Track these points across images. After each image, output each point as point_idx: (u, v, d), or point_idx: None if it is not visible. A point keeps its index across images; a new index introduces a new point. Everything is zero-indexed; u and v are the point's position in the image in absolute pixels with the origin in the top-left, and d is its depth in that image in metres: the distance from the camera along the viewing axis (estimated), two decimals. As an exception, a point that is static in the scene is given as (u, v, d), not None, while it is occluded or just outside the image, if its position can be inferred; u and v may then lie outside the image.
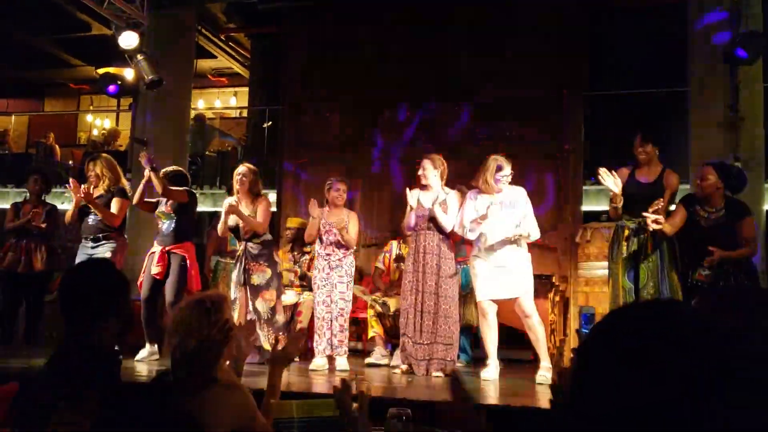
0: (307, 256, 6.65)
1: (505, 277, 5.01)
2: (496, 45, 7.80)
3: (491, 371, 5.02)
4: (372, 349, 6.08)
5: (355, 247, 5.78)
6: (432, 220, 5.35)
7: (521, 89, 7.59)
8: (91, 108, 15.10)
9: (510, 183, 5.20)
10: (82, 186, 5.64)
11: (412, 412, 2.39)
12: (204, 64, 12.14)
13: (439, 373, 5.17)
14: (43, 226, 6.30)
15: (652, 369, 0.68)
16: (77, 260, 5.74)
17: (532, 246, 5.27)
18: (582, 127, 7.52)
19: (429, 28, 8.00)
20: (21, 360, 5.46)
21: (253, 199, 5.63)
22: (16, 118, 14.00)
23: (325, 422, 2.45)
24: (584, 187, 7.55)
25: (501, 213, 5.07)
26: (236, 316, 5.38)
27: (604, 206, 7.18)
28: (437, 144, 7.63)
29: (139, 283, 5.77)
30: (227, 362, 2.37)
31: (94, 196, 5.72)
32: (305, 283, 6.47)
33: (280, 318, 5.66)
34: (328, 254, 5.61)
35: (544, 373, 4.89)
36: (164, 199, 5.81)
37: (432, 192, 5.43)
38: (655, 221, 4.58)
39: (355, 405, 2.34)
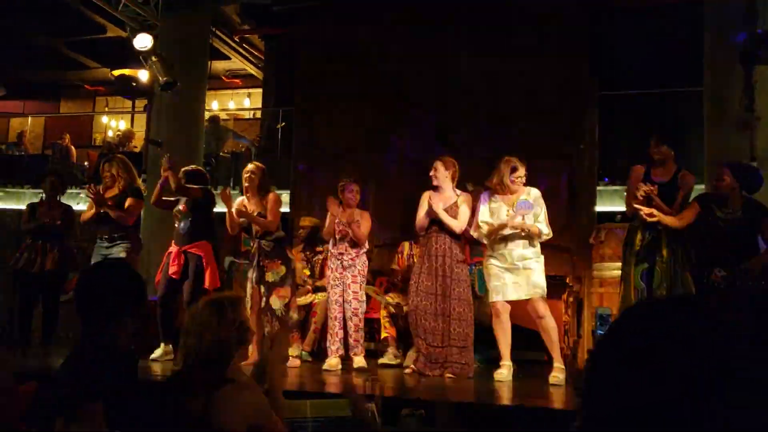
0: (319, 256, 6.67)
1: (518, 278, 5.00)
2: (507, 45, 7.78)
3: (505, 372, 5.01)
4: (385, 349, 6.09)
5: (367, 246, 5.79)
6: (442, 222, 5.34)
7: (534, 89, 7.57)
8: (106, 109, 15.21)
9: (524, 184, 5.19)
10: (99, 188, 5.70)
11: (425, 413, 2.40)
12: (218, 65, 12.19)
13: (452, 376, 5.16)
14: (58, 222, 6.35)
15: (653, 369, 0.68)
16: (93, 260, 5.79)
17: (545, 246, 5.25)
18: (596, 128, 7.49)
19: (438, 29, 8.00)
20: (38, 360, 5.52)
21: (262, 197, 5.65)
22: (32, 120, 14.11)
23: (338, 422, 2.46)
24: (598, 188, 7.52)
25: (515, 214, 5.06)
26: (252, 315, 5.39)
27: (618, 206, 7.17)
28: (450, 145, 7.63)
29: (156, 282, 5.82)
30: (244, 363, 2.38)
31: (110, 196, 5.76)
32: (319, 283, 6.49)
33: (294, 315, 5.66)
34: (340, 253, 5.62)
35: (558, 375, 4.88)
36: (182, 198, 5.84)
37: (443, 193, 5.42)
38: (650, 214, 4.59)
39: (369, 405, 2.35)
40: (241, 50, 11.77)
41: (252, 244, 5.74)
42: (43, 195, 6.69)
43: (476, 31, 7.90)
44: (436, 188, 5.49)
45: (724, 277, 4.66)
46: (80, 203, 8.75)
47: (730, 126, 6.61)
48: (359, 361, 5.44)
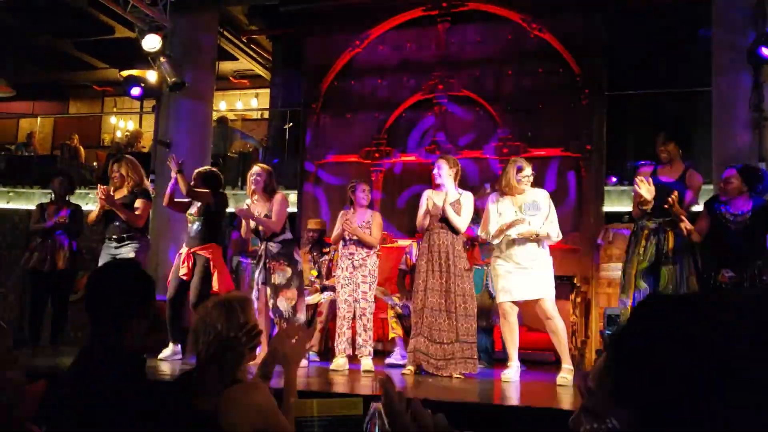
0: (326, 257, 6.69)
1: (526, 279, 4.99)
2: (516, 45, 7.79)
3: (512, 373, 5.01)
4: (392, 350, 6.10)
5: (378, 247, 5.80)
6: (444, 219, 5.35)
7: (541, 89, 7.57)
8: (115, 110, 15.26)
9: (532, 185, 5.19)
10: (104, 188, 5.73)
11: (432, 413, 2.39)
12: (226, 66, 12.21)
13: (460, 375, 5.16)
14: (65, 221, 6.38)
15: (653, 368, 0.68)
16: (101, 260, 5.82)
17: (553, 247, 5.25)
18: (604, 128, 7.48)
19: (447, 28, 8.01)
20: (48, 359, 5.55)
21: (268, 198, 5.67)
22: (41, 120, 14.17)
23: (346, 421, 2.46)
24: (606, 188, 7.51)
25: (524, 215, 5.06)
26: (258, 316, 5.41)
27: (626, 207, 7.15)
28: (458, 145, 7.65)
29: (167, 282, 5.86)
30: (252, 363, 2.39)
31: (119, 197, 5.80)
32: (326, 283, 6.51)
33: (302, 317, 5.68)
34: (351, 253, 5.63)
35: (565, 375, 4.87)
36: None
37: (446, 192, 5.43)
38: (686, 228, 4.61)
39: (376, 405, 2.34)
40: (248, 51, 11.79)
41: (259, 246, 5.76)
42: (52, 195, 6.73)
43: (484, 30, 7.92)
44: (436, 187, 5.50)
45: (731, 278, 4.65)
46: (89, 203, 8.78)
47: (739, 126, 6.59)
48: (367, 363, 5.45)
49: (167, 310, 5.78)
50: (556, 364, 5.21)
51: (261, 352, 5.02)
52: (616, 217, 7.31)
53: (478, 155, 7.65)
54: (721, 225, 4.83)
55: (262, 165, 5.88)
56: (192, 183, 5.82)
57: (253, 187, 5.69)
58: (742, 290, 4.52)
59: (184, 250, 5.84)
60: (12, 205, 10.30)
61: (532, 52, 7.70)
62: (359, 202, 5.73)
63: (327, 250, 6.71)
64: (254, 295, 5.57)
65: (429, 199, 5.41)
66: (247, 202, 5.72)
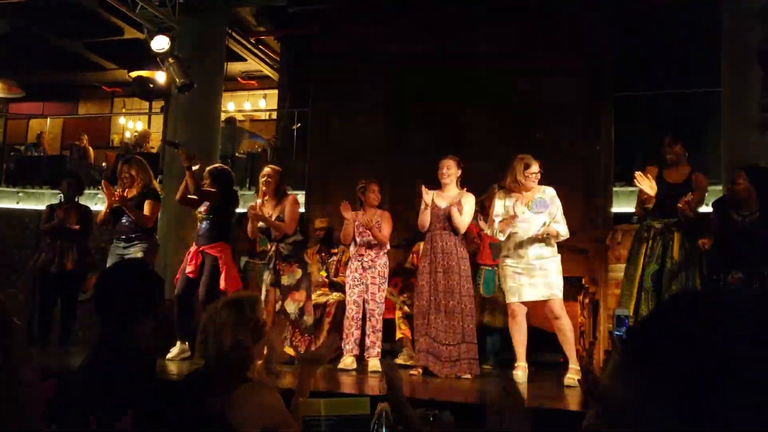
0: (334, 258, 6.69)
1: (534, 279, 4.98)
2: (523, 46, 7.77)
3: (520, 374, 5.00)
4: (400, 350, 6.10)
5: (389, 247, 5.81)
6: (448, 220, 5.34)
7: (550, 90, 7.56)
8: (124, 110, 15.32)
9: (540, 183, 5.18)
10: (116, 189, 5.75)
11: (439, 413, 2.40)
12: (234, 67, 12.25)
13: (468, 375, 5.16)
14: (77, 227, 6.41)
15: (653, 369, 0.68)
16: (109, 261, 5.85)
17: (561, 248, 5.23)
18: (612, 128, 7.46)
19: (455, 29, 8.01)
20: (57, 359, 5.58)
21: (279, 200, 5.67)
22: (50, 121, 14.25)
23: (353, 420, 2.47)
24: (614, 189, 7.49)
25: (531, 213, 5.05)
26: (266, 317, 5.42)
27: (634, 208, 7.12)
28: (465, 145, 7.63)
29: (175, 281, 5.88)
30: (260, 362, 2.40)
31: (128, 197, 5.82)
32: (335, 281, 6.51)
33: (309, 319, 5.69)
34: (360, 254, 5.64)
35: (573, 376, 4.86)
36: None
37: (447, 192, 5.42)
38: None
39: (383, 405, 2.35)
40: (257, 52, 11.83)
41: (269, 247, 5.76)
42: (62, 196, 6.76)
43: (493, 32, 7.91)
44: (439, 187, 5.49)
45: (741, 279, 4.63)
46: (98, 204, 8.82)
47: (748, 127, 6.56)
48: (374, 364, 5.45)
49: (175, 309, 5.80)
50: (564, 365, 5.20)
51: (267, 351, 5.05)
52: (624, 218, 7.28)
53: (485, 155, 7.63)
54: (729, 226, 4.80)
55: (273, 166, 5.89)
56: (203, 180, 5.85)
57: (264, 188, 5.69)
58: (744, 290, 4.50)
59: (192, 248, 5.87)
60: (21, 206, 10.36)
61: (540, 52, 7.68)
62: (370, 202, 5.74)
63: (335, 250, 6.72)
64: (262, 296, 5.58)
65: (431, 197, 5.40)
66: (257, 202, 5.72)
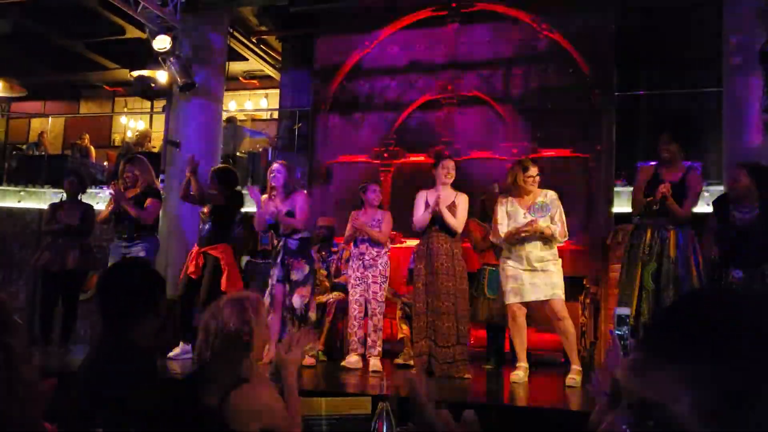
0: (335, 256, 6.70)
1: (535, 280, 4.98)
2: (525, 45, 7.78)
3: (520, 374, 5.00)
4: (400, 350, 6.10)
5: (389, 246, 5.81)
6: (440, 221, 5.34)
7: (550, 90, 7.56)
8: (126, 110, 15.32)
9: (541, 186, 5.18)
10: (118, 184, 5.78)
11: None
12: (236, 66, 12.24)
13: (468, 375, 5.17)
14: (76, 223, 6.42)
15: (677, 365, 0.68)
16: (111, 259, 5.86)
17: (562, 248, 5.24)
18: (613, 128, 7.46)
19: (457, 29, 8.01)
20: (58, 357, 5.59)
21: (287, 195, 5.65)
22: (52, 120, 14.25)
23: (354, 420, 2.47)
24: (616, 188, 7.49)
25: (532, 216, 5.05)
26: (273, 313, 5.40)
27: (631, 208, 7.12)
28: (466, 145, 7.65)
29: (178, 282, 5.89)
30: (260, 363, 2.40)
31: (130, 196, 5.83)
32: (335, 281, 6.52)
33: (313, 315, 5.68)
34: (362, 254, 5.66)
35: (575, 376, 4.87)
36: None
37: (443, 193, 5.43)
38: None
39: (384, 405, 2.35)
40: (258, 51, 11.82)
41: (277, 242, 5.72)
42: (64, 196, 6.77)
43: (493, 30, 7.91)
44: (433, 188, 5.50)
45: (741, 279, 4.62)
46: (99, 203, 8.83)
47: (750, 128, 6.56)
48: (375, 363, 5.45)
49: (177, 309, 5.81)
50: (565, 365, 5.20)
51: (270, 351, 5.06)
52: (624, 218, 7.28)
53: (487, 156, 7.65)
54: (730, 224, 4.80)
55: (282, 162, 5.86)
56: (208, 181, 5.87)
57: (272, 183, 5.67)
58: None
59: (194, 248, 5.88)
60: (23, 204, 10.37)
61: (542, 53, 7.69)
62: (370, 203, 5.75)
63: (336, 249, 6.72)
64: (269, 291, 5.57)
65: (425, 198, 5.41)
66: (263, 197, 5.70)
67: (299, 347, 2.43)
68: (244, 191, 6.47)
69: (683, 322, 0.72)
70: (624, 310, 6.06)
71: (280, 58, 12.03)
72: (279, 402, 2.27)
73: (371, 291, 5.57)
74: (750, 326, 0.68)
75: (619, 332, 6.09)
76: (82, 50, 12.80)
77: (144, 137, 12.98)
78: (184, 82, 7.76)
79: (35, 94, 13.98)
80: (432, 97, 8.05)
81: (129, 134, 14.43)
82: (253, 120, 13.62)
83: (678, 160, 4.98)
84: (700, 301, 0.75)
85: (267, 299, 5.45)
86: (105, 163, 12.24)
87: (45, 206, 7.07)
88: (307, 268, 5.59)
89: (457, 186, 5.52)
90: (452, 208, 5.34)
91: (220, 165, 6.21)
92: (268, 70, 12.62)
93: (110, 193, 5.78)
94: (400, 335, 6.15)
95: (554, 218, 5.07)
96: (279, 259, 5.59)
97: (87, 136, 12.76)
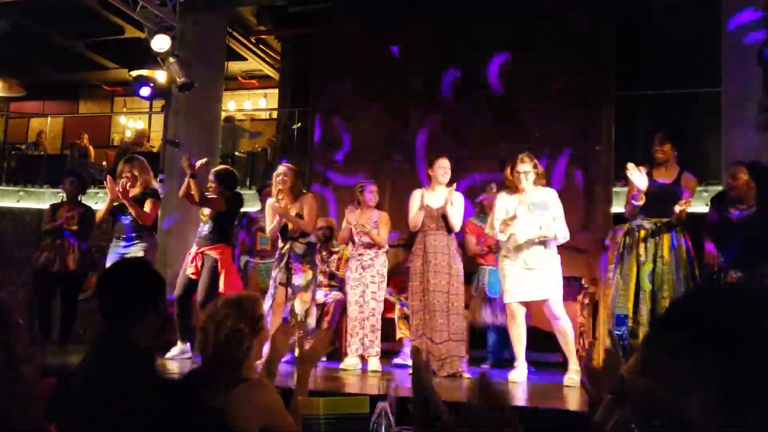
0: (335, 256, 6.69)
1: (534, 279, 4.99)
2: (525, 45, 7.78)
3: (519, 373, 5.01)
4: (399, 349, 6.10)
5: (387, 247, 5.81)
6: (441, 219, 5.34)
7: (551, 90, 7.56)
8: (125, 110, 15.32)
9: (541, 184, 5.18)
10: (119, 183, 5.76)
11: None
12: (234, 66, 12.25)
13: (468, 375, 5.18)
14: (75, 228, 6.42)
15: (683, 363, 0.69)
16: (109, 260, 5.84)
17: (561, 248, 5.24)
18: (612, 129, 7.46)
19: (456, 29, 8.01)
20: (57, 357, 5.58)
21: (294, 198, 5.62)
22: (51, 120, 14.24)
23: (352, 419, 2.47)
24: (614, 189, 7.49)
25: (531, 214, 5.05)
26: (272, 315, 5.39)
27: (624, 207, 7.12)
28: (465, 145, 7.64)
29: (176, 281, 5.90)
30: (258, 362, 2.40)
31: (129, 196, 5.83)
32: (335, 282, 6.52)
33: (312, 321, 5.68)
34: (360, 254, 5.66)
35: (573, 376, 4.87)
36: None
37: (439, 192, 5.43)
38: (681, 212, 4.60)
39: (383, 405, 2.36)
40: (257, 51, 11.83)
41: (282, 245, 5.71)
42: (64, 196, 6.77)
43: (494, 31, 7.91)
44: (428, 187, 5.50)
45: (740, 279, 4.62)
46: (98, 203, 8.82)
47: (748, 128, 6.56)
48: (374, 363, 5.45)
49: (175, 309, 5.81)
50: (564, 365, 5.21)
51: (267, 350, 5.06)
52: (624, 218, 7.28)
53: (486, 155, 7.64)
54: (727, 221, 4.78)
55: (288, 164, 5.83)
56: (209, 182, 5.87)
57: (279, 186, 5.65)
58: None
59: (193, 249, 5.88)
60: (22, 204, 10.36)
61: (542, 52, 7.69)
62: (367, 203, 5.75)
63: (336, 249, 6.72)
64: (270, 293, 5.56)
65: (420, 198, 5.41)
66: (270, 200, 5.68)
67: (319, 346, 2.47)
68: (244, 191, 6.47)
69: (685, 321, 0.72)
70: (622, 311, 6.07)
71: (279, 58, 12.04)
72: (279, 402, 2.27)
73: (369, 291, 5.57)
74: (750, 326, 0.69)
75: (618, 332, 6.10)
76: (81, 50, 12.80)
77: (141, 137, 12.98)
78: (183, 82, 7.76)
79: (34, 93, 13.98)
80: (431, 97, 8.05)
81: (128, 134, 14.42)
82: (252, 120, 13.63)
83: (671, 161, 4.97)
84: (701, 300, 0.75)
85: (268, 301, 5.45)
86: (104, 163, 12.24)
87: (44, 206, 7.07)
88: (310, 274, 5.58)
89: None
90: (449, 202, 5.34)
91: (220, 167, 6.19)
92: (267, 70, 12.63)
93: (114, 193, 5.71)
94: (399, 335, 6.15)
95: (555, 217, 5.06)
96: (283, 262, 5.57)
97: (86, 135, 12.76)
